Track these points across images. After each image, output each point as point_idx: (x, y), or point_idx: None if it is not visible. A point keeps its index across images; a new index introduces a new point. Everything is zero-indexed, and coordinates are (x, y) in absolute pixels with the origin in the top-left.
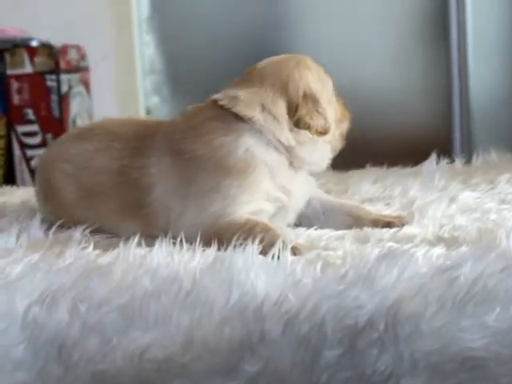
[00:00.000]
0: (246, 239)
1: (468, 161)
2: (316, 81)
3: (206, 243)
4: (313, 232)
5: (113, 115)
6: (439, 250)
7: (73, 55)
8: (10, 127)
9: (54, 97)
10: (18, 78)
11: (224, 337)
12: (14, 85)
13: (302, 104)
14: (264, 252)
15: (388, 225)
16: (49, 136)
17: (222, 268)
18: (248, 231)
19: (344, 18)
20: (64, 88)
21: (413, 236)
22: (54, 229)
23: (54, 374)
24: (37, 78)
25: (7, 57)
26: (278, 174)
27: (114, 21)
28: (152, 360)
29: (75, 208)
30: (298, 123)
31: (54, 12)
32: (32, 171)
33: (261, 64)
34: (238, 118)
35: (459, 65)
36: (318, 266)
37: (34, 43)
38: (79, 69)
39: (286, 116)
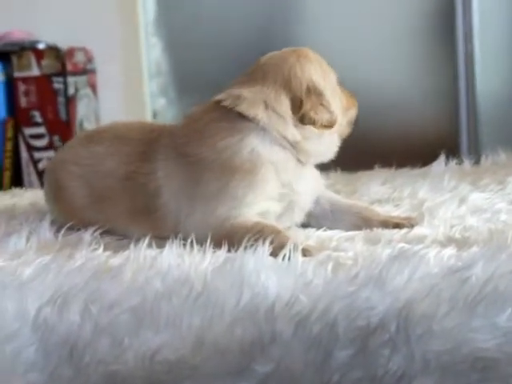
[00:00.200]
0: (255, 241)
1: (477, 161)
2: (318, 73)
3: (216, 245)
4: (323, 233)
5: (119, 117)
6: (450, 251)
7: (79, 58)
8: (17, 129)
9: (61, 99)
10: (25, 80)
11: (235, 338)
12: (21, 87)
13: (305, 99)
14: (274, 254)
15: (397, 226)
16: (56, 138)
17: (232, 269)
18: (257, 234)
19: (349, 18)
20: (71, 90)
21: (423, 237)
22: (63, 231)
23: (65, 376)
24: (44, 81)
25: (14, 59)
26: (285, 172)
27: (120, 23)
28: (163, 361)
29: (84, 210)
30: (303, 119)
31: (60, 15)
32: (39, 173)
33: (262, 61)
34: (242, 117)
35: (466, 65)
36: (329, 267)
37: (41, 46)
38: (86, 71)
39: (290, 112)
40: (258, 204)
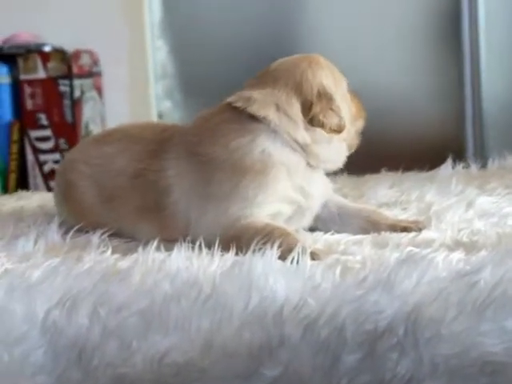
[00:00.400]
0: (264, 244)
1: (483, 165)
2: (330, 79)
3: (225, 246)
4: (330, 237)
5: (125, 120)
6: (458, 255)
7: (85, 60)
8: (23, 132)
9: (67, 102)
10: (31, 83)
11: (243, 341)
12: (27, 90)
13: (316, 102)
14: (283, 257)
15: (405, 230)
16: (62, 141)
17: (241, 272)
18: (267, 236)
19: (353, 20)
20: (77, 93)
21: (431, 241)
22: (71, 233)
23: (73, 378)
24: (50, 83)
25: (20, 62)
26: (295, 174)
27: (126, 26)
28: (171, 364)
29: (94, 210)
30: (312, 121)
31: (66, 17)
32: (45, 176)
33: (274, 65)
34: (253, 118)
35: (471, 68)
36: (337, 271)
37: (47, 48)
38: (92, 74)
39: (301, 115)
40: (269, 205)
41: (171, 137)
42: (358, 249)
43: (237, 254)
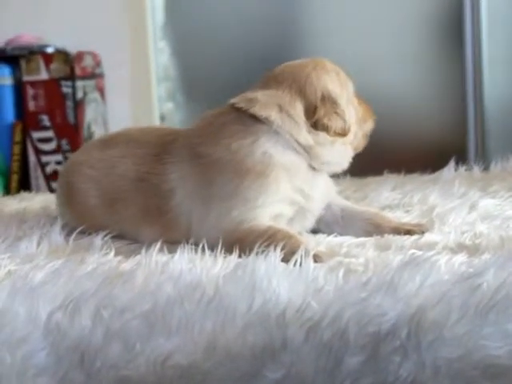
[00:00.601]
0: (267, 246)
1: (486, 168)
2: (335, 83)
3: (228, 248)
4: (333, 239)
5: (127, 122)
6: (461, 258)
7: (88, 62)
8: (25, 133)
9: (70, 103)
10: (34, 84)
11: (246, 343)
12: (30, 91)
13: (320, 106)
14: (285, 259)
15: (408, 232)
16: (64, 142)
17: (244, 275)
18: (269, 238)
19: (356, 22)
20: (79, 94)
21: (434, 243)
22: (74, 235)
23: (76, 381)
24: (52, 85)
25: (23, 63)
26: (297, 175)
27: (128, 28)
28: (175, 366)
29: (97, 212)
30: (316, 125)
31: (69, 19)
32: (47, 177)
33: (279, 68)
34: (256, 119)
35: (474, 69)
36: (340, 274)
37: (50, 50)
38: (94, 75)
39: (304, 117)
40: (271, 206)
41: (174, 140)
42: (361, 251)
43: (240, 256)
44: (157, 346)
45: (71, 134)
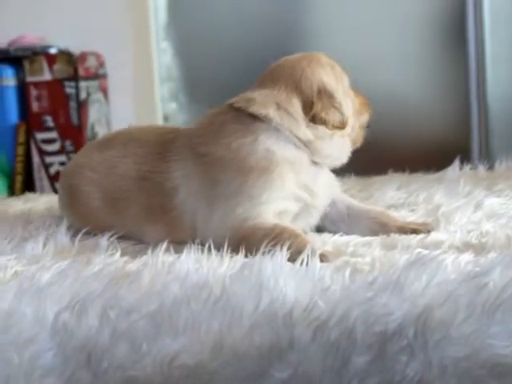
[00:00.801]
0: (274, 246)
1: (491, 167)
2: (330, 76)
3: (234, 247)
4: (339, 238)
5: (130, 122)
6: (468, 257)
7: (91, 62)
8: (29, 134)
9: (73, 104)
10: (37, 85)
11: (253, 343)
12: (33, 92)
13: (316, 100)
14: (292, 259)
15: (414, 231)
16: (67, 143)
17: (251, 274)
18: (276, 237)
19: (359, 21)
20: (82, 95)
21: (440, 242)
22: (80, 236)
23: (83, 381)
24: (56, 85)
25: (26, 64)
26: (300, 171)
27: (131, 28)
28: (181, 366)
29: (99, 214)
30: (314, 119)
31: (72, 20)
32: (51, 178)
33: (274, 65)
34: (255, 118)
35: (477, 68)
36: (347, 273)
37: (53, 50)
38: (97, 76)
39: (302, 113)
40: (275, 202)
41: (175, 139)
42: (367, 250)
43: (246, 255)
44: (163, 346)
45: (75, 134)
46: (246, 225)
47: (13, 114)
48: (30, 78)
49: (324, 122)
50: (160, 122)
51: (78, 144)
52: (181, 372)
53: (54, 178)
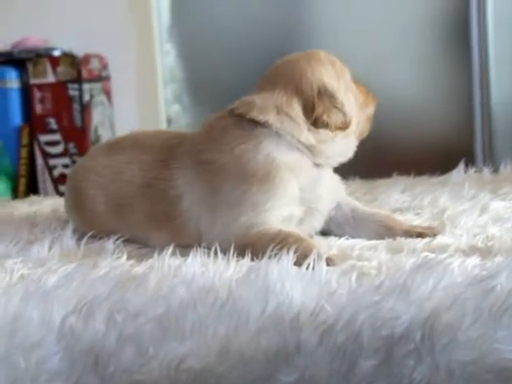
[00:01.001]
0: (279, 250)
1: (496, 170)
2: (331, 74)
3: (240, 253)
4: (345, 242)
5: (134, 124)
6: (474, 260)
7: (95, 65)
8: (32, 136)
9: (76, 106)
10: (41, 87)
11: (260, 347)
12: (37, 94)
13: (317, 102)
14: (298, 263)
15: (420, 235)
16: (71, 145)
17: (257, 278)
18: (281, 242)
19: (361, 25)
20: (86, 97)
21: (446, 246)
22: (85, 239)
23: None
24: (59, 88)
25: (30, 66)
26: (302, 175)
27: (134, 30)
28: (188, 370)
29: (104, 218)
30: (316, 123)
31: (75, 22)
32: (54, 180)
33: (274, 66)
34: (256, 123)
35: (480, 71)
36: (353, 277)
37: (57, 53)
38: (101, 78)
39: (303, 116)
40: (280, 209)
41: (179, 144)
42: (373, 254)
43: (252, 260)
44: (170, 349)
45: (78, 137)
46: (251, 232)
47: (16, 116)
48: (33, 81)
49: (326, 126)
50: (163, 124)
51: (81, 146)
52: (187, 376)
53: (57, 181)
